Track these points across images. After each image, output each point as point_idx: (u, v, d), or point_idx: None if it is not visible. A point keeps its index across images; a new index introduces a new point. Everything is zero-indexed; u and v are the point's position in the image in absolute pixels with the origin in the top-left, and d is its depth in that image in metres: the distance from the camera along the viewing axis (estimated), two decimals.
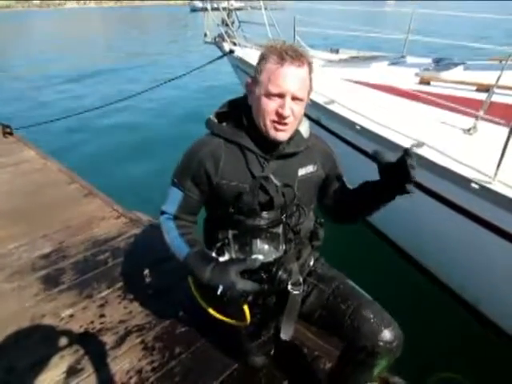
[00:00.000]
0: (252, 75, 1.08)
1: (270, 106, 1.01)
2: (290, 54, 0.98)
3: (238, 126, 1.11)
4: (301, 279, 1.13)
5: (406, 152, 0.91)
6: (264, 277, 1.04)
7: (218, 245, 1.17)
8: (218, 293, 1.01)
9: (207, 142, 1.12)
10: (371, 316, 1.06)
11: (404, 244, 2.67)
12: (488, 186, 1.87)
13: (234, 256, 1.14)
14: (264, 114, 1.02)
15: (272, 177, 1.09)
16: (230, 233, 1.14)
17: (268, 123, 1.03)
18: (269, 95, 1.00)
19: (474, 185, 1.91)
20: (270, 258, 1.12)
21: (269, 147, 1.09)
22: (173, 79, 5.07)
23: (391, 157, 0.96)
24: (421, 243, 2.50)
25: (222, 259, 1.11)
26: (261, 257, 1.12)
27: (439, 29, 15.80)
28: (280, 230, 1.14)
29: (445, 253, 2.32)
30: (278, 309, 1.18)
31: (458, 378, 1.68)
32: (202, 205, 1.21)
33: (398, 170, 0.93)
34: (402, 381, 1.40)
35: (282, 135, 1.05)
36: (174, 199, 1.17)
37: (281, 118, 1.01)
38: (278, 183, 1.10)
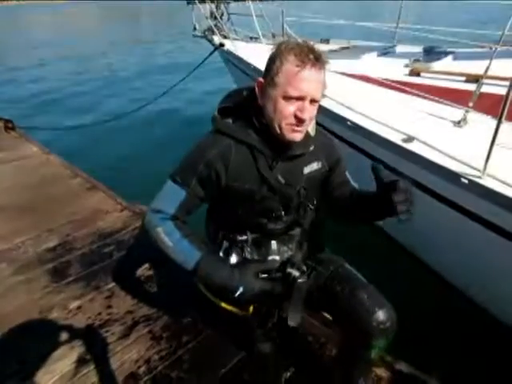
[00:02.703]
0: (259, 73, 1.02)
1: (288, 108, 0.94)
2: (310, 56, 0.91)
3: (246, 124, 1.03)
4: (304, 267, 1.09)
5: (392, 185, 0.82)
6: (277, 276, 1.00)
7: (226, 246, 1.13)
8: (236, 295, 0.96)
9: (216, 143, 1.03)
10: (365, 298, 1.03)
11: (397, 235, 2.64)
12: (477, 180, 1.80)
13: (249, 257, 1.11)
14: (281, 116, 0.95)
15: (280, 177, 1.05)
16: (250, 236, 1.10)
17: (284, 125, 0.96)
18: (287, 98, 0.93)
19: (463, 180, 1.85)
20: (284, 258, 1.10)
21: (279, 148, 1.03)
22: (174, 85, 4.98)
23: (387, 176, 0.86)
24: (414, 236, 2.45)
25: (233, 260, 1.07)
26: (277, 257, 1.11)
27: (433, 16, 15.56)
28: (297, 231, 1.14)
29: (436, 245, 2.28)
30: (282, 296, 1.15)
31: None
32: (201, 205, 1.13)
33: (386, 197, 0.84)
34: (408, 366, 1.39)
35: (298, 136, 0.99)
36: (173, 198, 1.05)
37: (299, 122, 0.95)
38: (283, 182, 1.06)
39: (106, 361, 1.50)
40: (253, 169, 1.03)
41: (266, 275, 1.00)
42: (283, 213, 1.08)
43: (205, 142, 1.06)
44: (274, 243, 1.12)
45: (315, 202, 1.18)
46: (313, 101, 0.95)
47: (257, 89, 1.01)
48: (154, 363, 1.48)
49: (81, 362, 1.50)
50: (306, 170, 1.10)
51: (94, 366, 1.49)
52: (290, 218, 1.11)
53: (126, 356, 1.52)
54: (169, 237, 1.02)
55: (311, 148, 1.08)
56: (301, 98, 0.93)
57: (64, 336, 1.63)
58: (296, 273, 0.99)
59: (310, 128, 1.09)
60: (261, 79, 1.00)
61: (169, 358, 1.50)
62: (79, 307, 1.79)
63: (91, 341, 1.60)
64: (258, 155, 1.03)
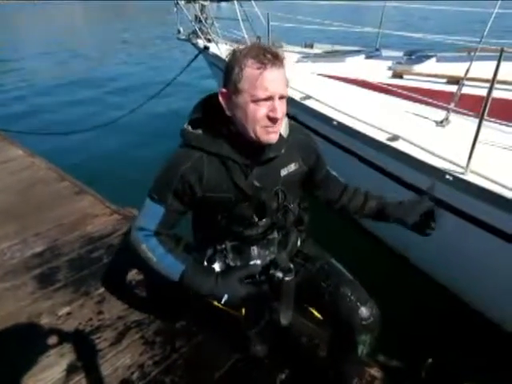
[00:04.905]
0: (223, 82, 0.98)
1: (260, 111, 0.91)
2: (268, 56, 0.89)
3: (215, 134, 1.00)
4: (291, 266, 1.08)
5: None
6: (262, 279, 1.01)
7: (209, 254, 1.13)
8: (223, 302, 0.97)
9: (187, 156, 1.00)
10: (349, 293, 1.05)
11: (382, 235, 2.65)
12: (461, 176, 1.83)
13: (231, 264, 1.11)
14: (254, 121, 0.92)
15: (257, 183, 1.02)
16: (229, 244, 1.10)
17: (259, 129, 0.93)
18: (257, 101, 0.91)
19: (447, 176, 1.87)
20: (266, 261, 1.10)
21: (252, 153, 1.00)
22: (161, 90, 4.88)
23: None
24: (400, 234, 2.46)
25: (216, 268, 1.08)
26: (258, 261, 1.11)
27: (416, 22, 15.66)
28: (275, 235, 1.13)
29: (423, 243, 2.29)
30: (271, 295, 1.13)
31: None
32: (183, 217, 1.11)
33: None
34: (401, 365, 1.38)
35: (274, 137, 0.97)
36: (153, 215, 1.05)
37: (273, 122, 0.93)
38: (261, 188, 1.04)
39: (98, 367, 1.46)
40: (227, 178, 1.01)
41: (250, 280, 1.00)
42: (256, 219, 1.07)
43: (176, 156, 1.03)
44: (254, 248, 1.12)
45: (296, 203, 1.17)
46: (281, 97, 0.93)
47: (221, 100, 0.97)
48: (148, 369, 1.44)
49: (72, 370, 1.45)
50: (283, 172, 1.07)
51: (86, 374, 1.44)
52: (266, 223, 1.09)
53: (118, 362, 1.48)
54: (152, 252, 1.03)
55: (283, 150, 1.05)
56: (270, 98, 0.91)
57: (54, 343, 1.58)
58: (280, 274, 1.00)
59: (282, 128, 1.06)
60: (223, 90, 0.96)
61: (162, 362, 1.46)
62: (69, 313, 1.73)
63: (82, 347, 1.55)
64: (231, 164, 1.00)
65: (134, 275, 1.96)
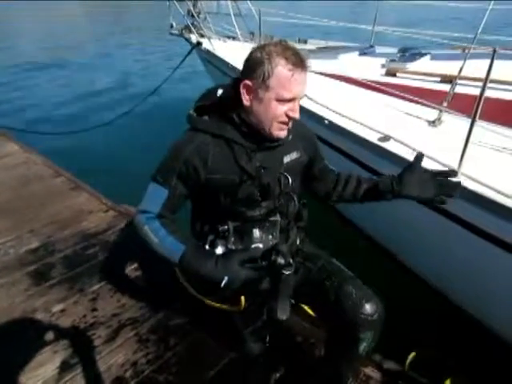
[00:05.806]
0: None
1: (281, 109, 0.97)
2: (299, 60, 0.94)
3: (221, 118, 1.03)
4: (291, 260, 1.07)
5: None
6: (263, 264, 0.98)
7: (211, 238, 1.11)
8: (222, 285, 0.94)
9: (193, 139, 1.03)
10: (353, 291, 1.04)
11: (376, 235, 2.62)
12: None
13: (232, 247, 1.08)
14: (273, 116, 0.97)
15: (261, 166, 1.05)
16: (231, 225, 1.08)
17: (275, 125, 0.99)
18: (281, 100, 0.96)
19: None
20: (268, 246, 1.08)
21: (258, 139, 1.03)
22: (157, 87, 4.79)
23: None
24: (392, 234, 2.43)
25: (219, 251, 1.05)
26: (260, 245, 1.09)
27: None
28: (278, 217, 1.12)
29: (414, 245, 2.26)
30: (269, 291, 1.12)
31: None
32: (186, 201, 1.12)
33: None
34: (397, 365, 1.36)
35: (285, 133, 1.02)
36: (157, 197, 1.06)
37: (290, 120, 0.99)
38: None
39: (92, 365, 1.43)
40: (232, 161, 1.03)
41: (251, 264, 0.97)
42: (260, 198, 1.07)
43: (181, 140, 1.06)
44: (256, 231, 1.10)
45: (297, 191, 1.17)
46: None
47: (242, 90, 0.99)
48: (141, 367, 1.42)
49: (65, 367, 1.42)
50: (286, 159, 1.10)
51: (79, 371, 1.41)
52: (269, 205, 1.10)
53: (112, 360, 1.45)
54: (155, 234, 1.03)
55: (290, 137, 1.08)
56: (293, 100, 0.97)
57: (47, 340, 1.54)
58: (281, 260, 0.98)
59: None
60: (248, 82, 0.97)
61: (156, 361, 1.44)
62: (63, 310, 1.69)
63: (76, 345, 1.52)
64: (236, 147, 1.03)
65: (129, 272, 1.92)
